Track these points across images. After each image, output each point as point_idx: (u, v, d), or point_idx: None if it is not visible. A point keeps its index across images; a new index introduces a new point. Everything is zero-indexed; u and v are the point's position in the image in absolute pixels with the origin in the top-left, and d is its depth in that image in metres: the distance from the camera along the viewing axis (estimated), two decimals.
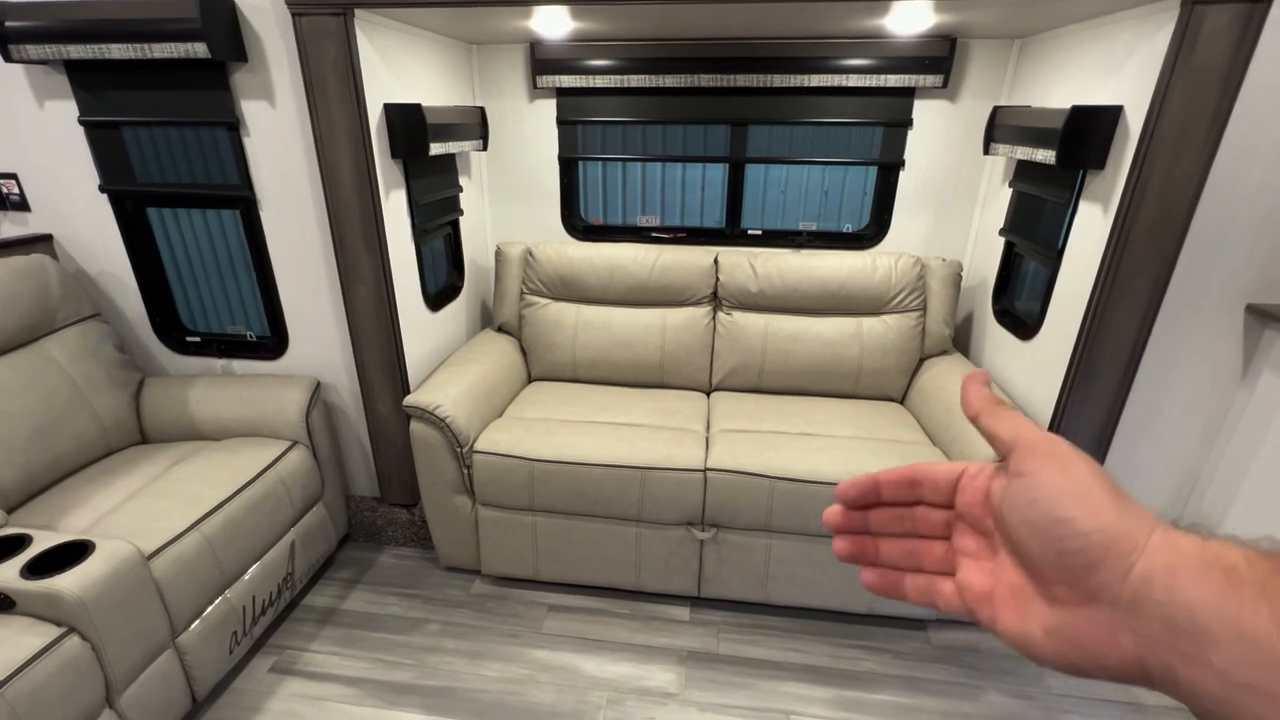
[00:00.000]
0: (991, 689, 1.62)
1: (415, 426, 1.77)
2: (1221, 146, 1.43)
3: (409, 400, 1.76)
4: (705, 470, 1.69)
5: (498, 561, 1.89)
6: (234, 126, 1.70)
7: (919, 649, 1.73)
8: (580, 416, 1.93)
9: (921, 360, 2.10)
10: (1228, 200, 1.48)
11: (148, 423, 1.86)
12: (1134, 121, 1.42)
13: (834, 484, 1.59)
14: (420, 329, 1.99)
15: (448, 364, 1.99)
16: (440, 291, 2.16)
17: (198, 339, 2.00)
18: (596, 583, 1.87)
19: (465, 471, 1.79)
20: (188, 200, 1.86)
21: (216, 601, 1.51)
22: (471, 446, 1.77)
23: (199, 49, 1.53)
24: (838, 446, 1.73)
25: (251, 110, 1.68)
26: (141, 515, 1.47)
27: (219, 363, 2.01)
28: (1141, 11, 1.42)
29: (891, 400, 2.11)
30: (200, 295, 2.03)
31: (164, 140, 1.80)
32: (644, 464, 1.69)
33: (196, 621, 1.46)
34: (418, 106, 1.71)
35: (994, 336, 2.03)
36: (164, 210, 1.93)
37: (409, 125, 1.72)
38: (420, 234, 1.94)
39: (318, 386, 1.90)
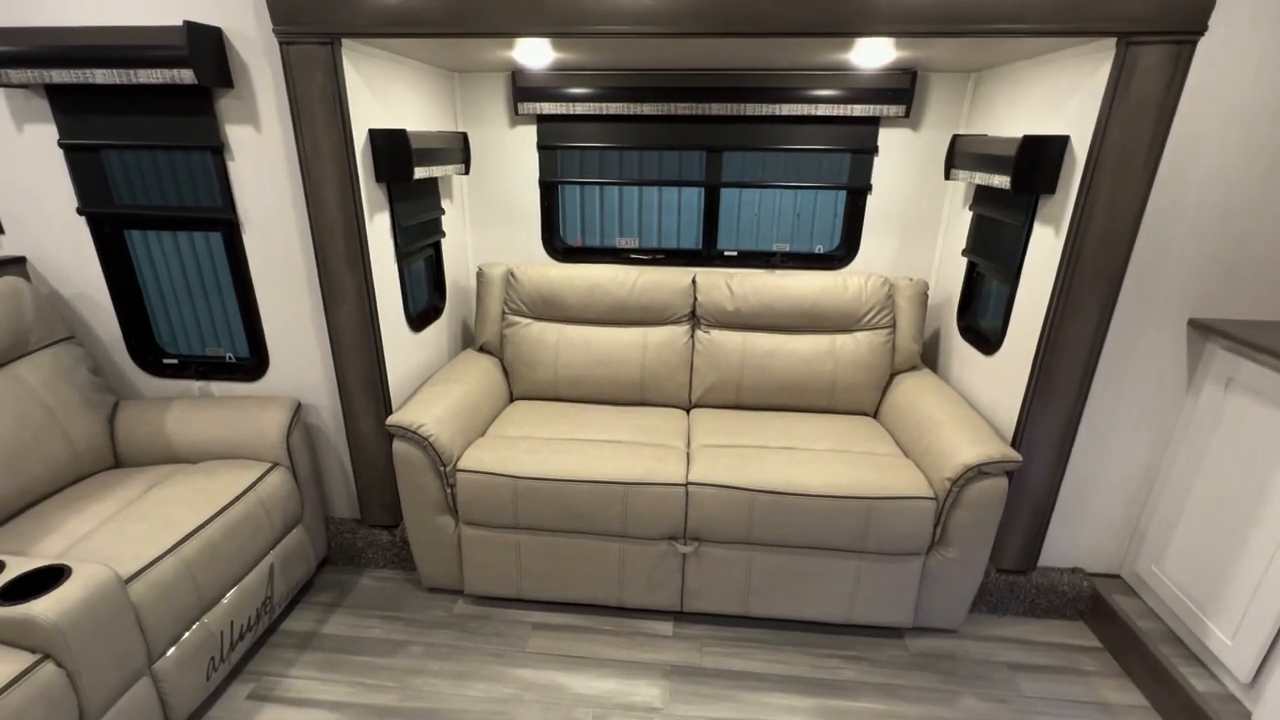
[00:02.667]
0: (966, 694, 1.66)
1: (398, 446, 1.78)
2: (1160, 171, 1.55)
3: (392, 419, 1.77)
4: (687, 485, 1.72)
5: (481, 581, 1.89)
6: (219, 150, 1.71)
7: (897, 657, 1.77)
8: (563, 434, 1.96)
9: (892, 376, 2.18)
10: (1167, 220, 1.60)
11: (122, 446, 1.84)
12: (1080, 150, 1.53)
13: (814, 496, 1.64)
14: (402, 349, 2.01)
15: (430, 383, 2.00)
16: (422, 312, 2.18)
17: (175, 361, 1.99)
18: (580, 600, 1.88)
19: (448, 491, 1.80)
20: (168, 223, 1.86)
21: (194, 627, 1.49)
22: (455, 465, 1.78)
23: (185, 75, 1.55)
24: (815, 460, 1.78)
25: (237, 135, 1.70)
26: (117, 539, 1.45)
27: (197, 384, 2.00)
28: (1082, 50, 1.54)
29: (865, 414, 2.18)
30: (179, 317, 2.02)
31: (145, 163, 1.81)
32: (626, 479, 1.72)
33: (173, 648, 1.43)
34: (402, 132, 1.75)
35: (960, 352, 2.12)
36: (143, 233, 1.92)
37: (394, 150, 1.76)
38: (403, 256, 1.97)
39: (298, 408, 1.89)
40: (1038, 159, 1.60)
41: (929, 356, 2.33)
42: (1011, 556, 1.86)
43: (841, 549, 1.72)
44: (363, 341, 1.83)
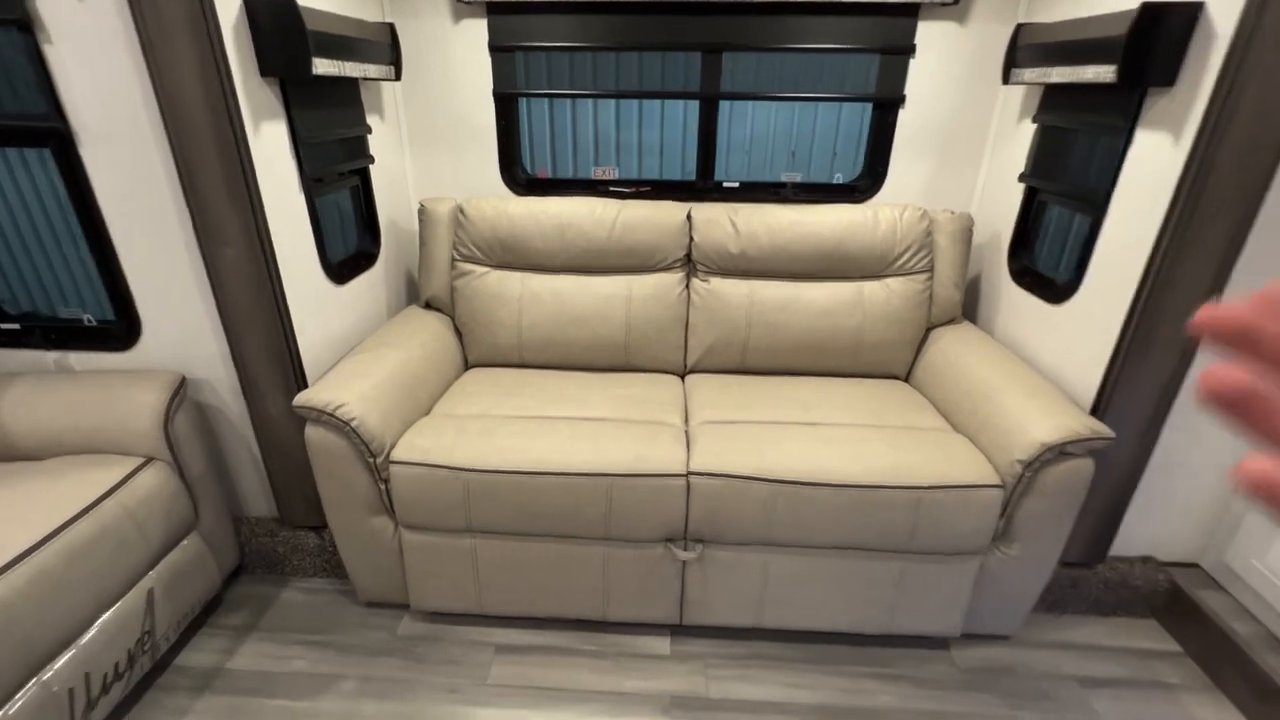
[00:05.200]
0: (1029, 717, 1.36)
1: (312, 433, 1.36)
2: None
3: (300, 400, 1.35)
4: (688, 475, 1.35)
5: (430, 594, 1.52)
6: (25, 26, 1.22)
7: (944, 674, 1.46)
8: (528, 410, 1.56)
9: (928, 331, 1.81)
10: None
11: None
12: (1222, 21, 1.12)
13: (847, 486, 1.27)
14: (320, 307, 1.57)
15: (359, 350, 1.57)
16: (347, 260, 1.73)
17: (15, 326, 1.52)
18: (555, 614, 1.52)
19: (381, 487, 1.40)
20: None
21: (27, 688, 1.09)
22: (387, 455, 1.38)
23: None
24: (846, 437, 1.42)
25: (49, 2, 1.20)
26: None
27: (51, 356, 1.54)
28: None
29: (895, 378, 1.81)
30: (14, 267, 1.54)
31: None
32: (610, 470, 1.34)
33: None
34: (292, 4, 1.27)
35: (1011, 301, 1.75)
36: None
37: (282, 30, 1.28)
38: (313, 184, 1.51)
39: (182, 383, 1.46)
40: (1155, 38, 1.19)
41: (967, 308, 1.95)
42: (1078, 548, 1.54)
43: (882, 549, 1.37)
44: (259, 296, 1.39)
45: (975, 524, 1.33)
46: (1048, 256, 1.68)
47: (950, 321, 1.83)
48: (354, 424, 1.33)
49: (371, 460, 1.37)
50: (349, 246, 1.77)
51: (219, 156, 1.27)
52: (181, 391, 1.45)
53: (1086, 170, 1.48)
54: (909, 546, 1.36)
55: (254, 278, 1.37)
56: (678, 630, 1.55)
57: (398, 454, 1.38)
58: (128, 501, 1.29)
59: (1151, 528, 1.58)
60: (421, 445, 1.39)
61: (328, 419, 1.34)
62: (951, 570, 1.39)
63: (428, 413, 1.57)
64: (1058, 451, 1.27)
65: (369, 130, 1.74)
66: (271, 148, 1.37)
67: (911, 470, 1.32)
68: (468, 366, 1.87)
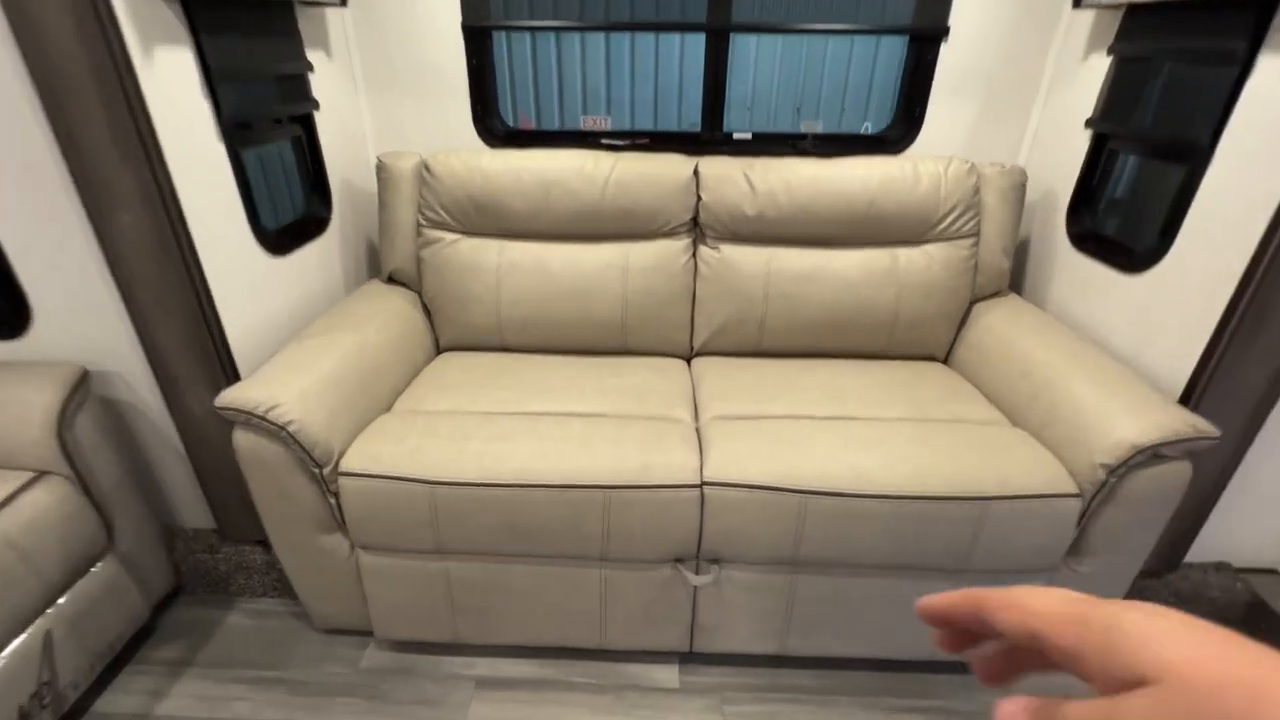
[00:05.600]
0: None
1: (242, 439, 1.11)
2: None
3: (224, 400, 1.09)
4: (701, 485, 1.11)
5: (397, 623, 1.29)
6: None
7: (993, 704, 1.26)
8: (509, 405, 1.31)
9: (971, 305, 1.57)
10: None
11: None
12: None
13: (894, 497, 1.04)
14: (254, 282, 1.30)
15: (304, 336, 1.31)
16: (290, 227, 1.46)
17: None
18: (544, 643, 1.30)
19: (332, 501, 1.16)
20: None
21: None
22: (336, 465, 1.13)
23: None
24: (888, 435, 1.18)
25: None
26: None
27: None
28: None
29: (932, 359, 1.57)
30: None
31: None
32: (609, 481, 1.10)
33: None
34: None
35: (1070, 270, 1.50)
36: None
37: None
38: (236, 132, 1.23)
39: (83, 378, 1.19)
40: None
41: (1013, 279, 1.71)
42: (1150, 557, 1.33)
43: (931, 568, 1.15)
44: (168, 273, 1.12)
45: (1046, 539, 1.11)
46: (1121, 217, 1.44)
47: (996, 294, 1.59)
48: (292, 428, 1.08)
49: (317, 470, 1.12)
50: (293, 210, 1.49)
51: (99, 96, 0.98)
52: (82, 387, 1.19)
53: (1181, 110, 1.22)
54: (965, 565, 1.14)
55: (158, 248, 1.10)
56: (687, 658, 1.34)
57: (349, 463, 1.13)
58: (8, 529, 1.04)
59: (1231, 531, 1.37)
60: (378, 452, 1.15)
61: (259, 422, 1.08)
62: None
63: (389, 409, 1.32)
64: (1150, 454, 1.05)
65: (310, 68, 1.44)
66: (174, 84, 1.08)
67: (971, 477, 1.09)
68: (439, 350, 1.61)
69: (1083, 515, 1.11)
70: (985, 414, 1.31)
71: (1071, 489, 1.09)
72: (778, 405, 1.32)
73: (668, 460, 1.13)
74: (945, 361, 1.58)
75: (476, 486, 1.10)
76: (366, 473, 1.12)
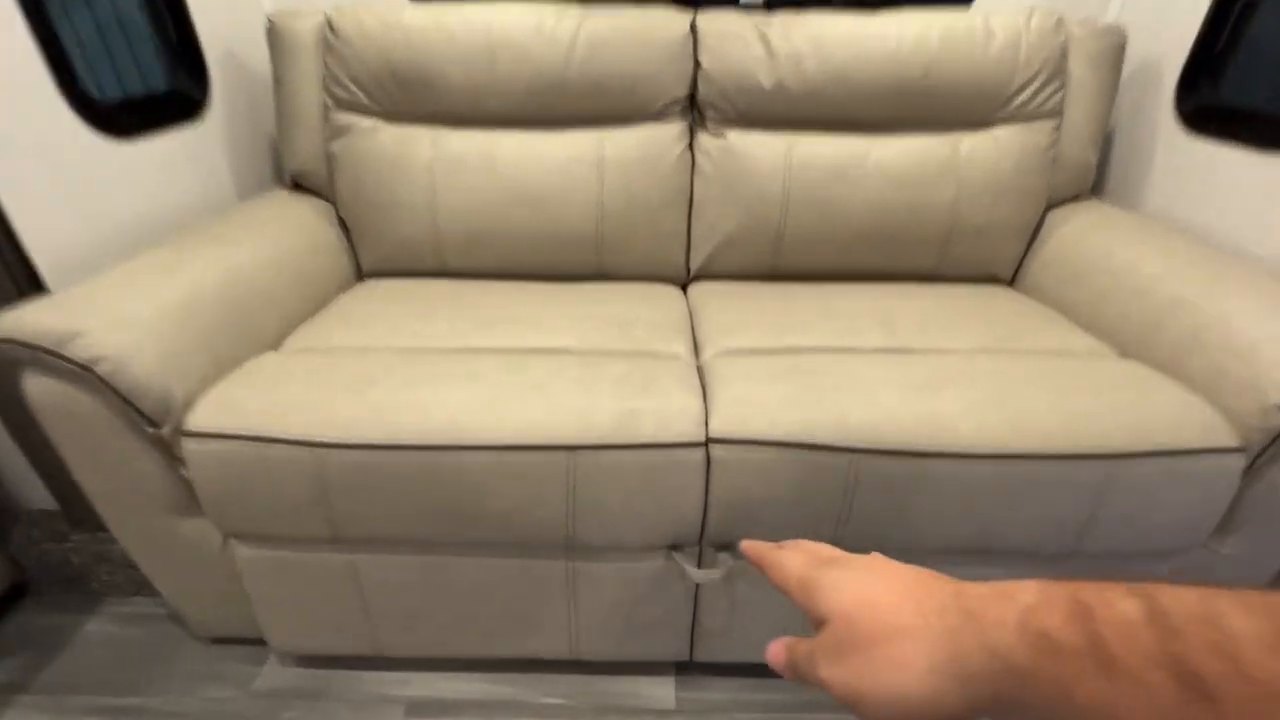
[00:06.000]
0: None
1: (34, 385, 0.76)
2: None
3: (4, 328, 0.73)
4: (707, 442, 0.78)
5: (296, 633, 0.96)
6: None
7: None
8: (441, 340, 0.96)
9: (1044, 213, 1.22)
10: None
11: None
12: None
13: (987, 456, 0.71)
14: (75, 172, 0.93)
15: (149, 250, 0.94)
16: (141, 104, 1.07)
17: None
18: (498, 655, 0.98)
19: (183, 472, 0.81)
20: None
21: None
22: (180, 424, 0.78)
23: None
24: (964, 372, 0.85)
25: None
26: None
27: None
28: None
29: (995, 282, 1.24)
30: None
31: None
32: (575, 438, 0.76)
33: None
34: None
35: (1180, 157, 1.16)
36: None
37: None
38: None
39: None
40: None
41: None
42: None
43: (1028, 553, 0.84)
44: None
45: (1191, 510, 0.80)
46: (1259, 86, 1.08)
47: (1074, 198, 1.25)
48: (102, 369, 0.73)
49: (153, 430, 0.77)
50: (144, 83, 1.09)
51: None
52: None
53: None
54: (1074, 549, 0.82)
55: None
56: (686, 669, 1.02)
57: (198, 419, 0.78)
58: None
59: None
60: (241, 403, 0.79)
61: (54, 361, 0.73)
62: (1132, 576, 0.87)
63: (276, 347, 0.96)
64: None
65: None
66: None
67: (1093, 426, 0.77)
68: (362, 277, 1.25)
69: (1244, 476, 0.78)
70: (1087, 343, 0.97)
71: (1231, 441, 0.77)
72: (809, 335, 0.98)
73: (659, 408, 0.79)
74: (1011, 285, 1.24)
75: (382, 450, 0.76)
76: (220, 432, 0.77)
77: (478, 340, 0.96)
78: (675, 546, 0.85)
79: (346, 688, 0.99)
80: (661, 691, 0.99)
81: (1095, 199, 1.27)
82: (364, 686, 0.99)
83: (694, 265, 1.23)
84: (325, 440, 0.76)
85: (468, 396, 0.80)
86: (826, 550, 0.32)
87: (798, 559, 0.31)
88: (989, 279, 1.23)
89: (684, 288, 1.24)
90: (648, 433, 0.76)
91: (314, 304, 1.09)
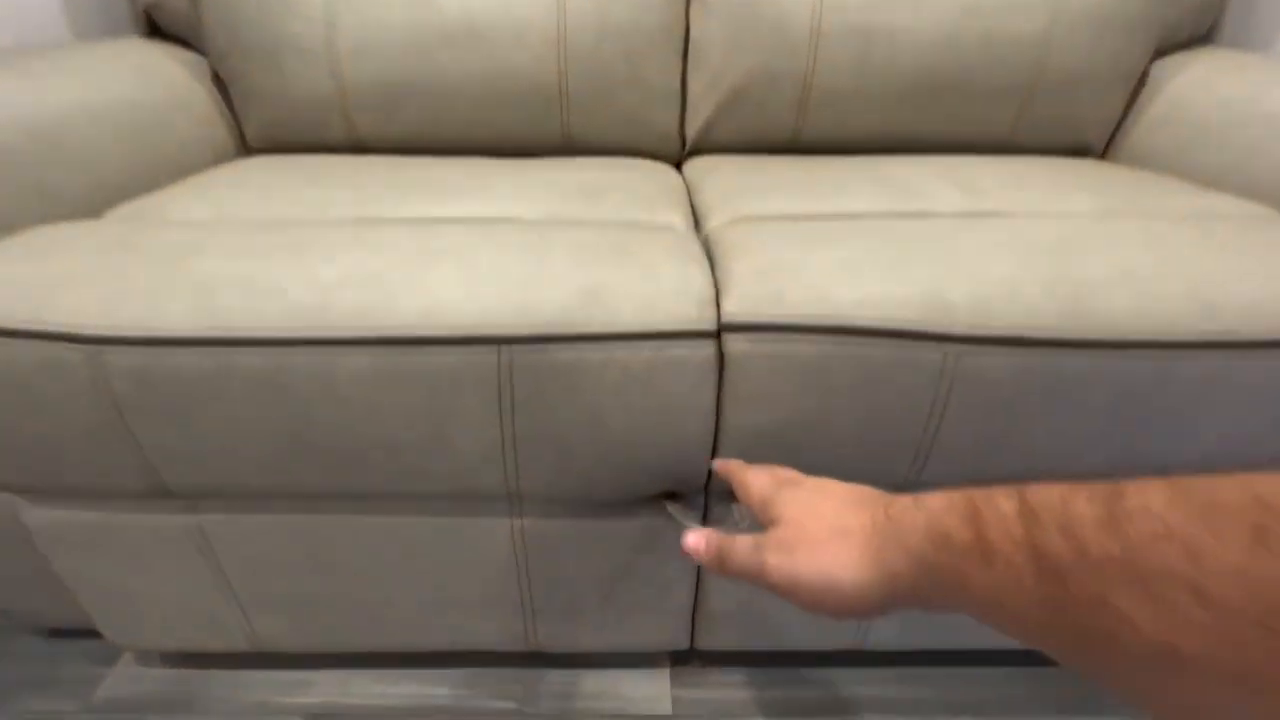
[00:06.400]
0: None
1: None
2: None
3: None
4: (718, 332, 0.49)
5: (141, 623, 0.69)
6: None
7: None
8: (332, 210, 0.67)
9: (1150, 61, 0.93)
10: None
11: None
12: None
13: (1150, 345, 0.43)
14: None
15: None
16: None
17: None
18: (427, 648, 0.71)
19: None
20: None
21: None
22: None
23: None
24: (1098, 233, 0.56)
25: None
26: None
27: None
28: None
29: (1083, 152, 0.95)
30: None
31: None
32: (510, 326, 0.48)
33: None
34: None
35: None
36: None
37: None
38: None
39: None
40: None
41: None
42: None
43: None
44: None
45: None
46: None
47: (1188, 42, 0.95)
48: None
49: None
50: None
51: None
52: None
53: None
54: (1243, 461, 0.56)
55: None
56: (684, 660, 0.77)
57: None
58: None
59: None
60: None
61: None
62: None
63: (100, 216, 0.66)
64: None
65: None
66: None
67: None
68: (248, 150, 0.94)
69: None
70: (1243, 206, 0.69)
71: None
72: (857, 199, 0.69)
73: (639, 283, 0.50)
74: (1104, 157, 0.95)
75: (194, 346, 0.47)
76: None
77: (385, 210, 0.67)
78: (670, 495, 0.58)
79: (223, 695, 0.73)
80: (652, 690, 0.73)
81: (1210, 46, 0.97)
82: (246, 693, 0.73)
83: (690, 133, 0.93)
84: (100, 331, 0.47)
85: (344, 269, 0.51)
86: (786, 472, 0.39)
87: (763, 478, 0.38)
88: (1076, 149, 0.94)
89: (678, 166, 0.94)
90: (624, 318, 0.48)
91: (161, 175, 0.78)
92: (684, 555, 0.39)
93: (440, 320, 0.48)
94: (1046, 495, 0.21)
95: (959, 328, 0.48)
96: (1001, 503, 0.23)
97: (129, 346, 0.47)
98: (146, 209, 0.67)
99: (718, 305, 0.50)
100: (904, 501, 0.28)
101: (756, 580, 0.32)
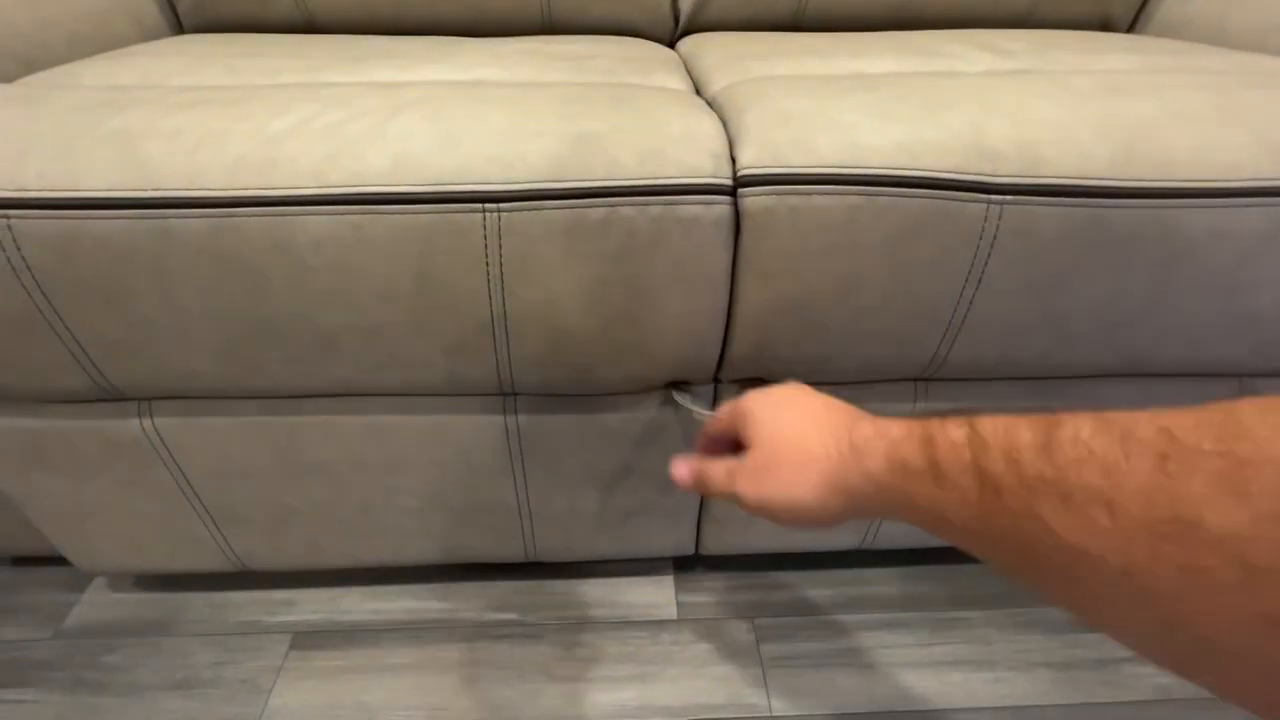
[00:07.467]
0: None
1: None
2: None
3: None
4: (734, 187, 0.43)
5: (106, 544, 0.64)
6: None
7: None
8: (281, 76, 0.58)
9: None
10: None
11: None
12: None
13: (1224, 192, 0.38)
14: None
15: None
16: None
17: None
18: (417, 560, 0.68)
19: None
20: None
21: None
22: None
23: None
24: (1148, 82, 0.50)
25: None
26: None
27: None
28: None
29: (1109, 29, 0.88)
30: None
31: None
32: (499, 181, 0.41)
33: None
34: None
35: None
36: None
37: None
38: None
39: None
40: None
41: None
42: None
43: (1226, 372, 0.54)
44: None
45: None
46: None
47: None
48: None
49: None
50: None
51: None
52: None
53: None
54: None
55: None
56: (688, 566, 0.74)
57: None
58: None
59: None
60: None
61: None
62: None
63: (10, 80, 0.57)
64: None
65: None
66: None
67: None
68: (181, 31, 0.83)
69: None
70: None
71: None
72: (878, 61, 0.62)
73: (640, 131, 0.44)
74: (1130, 29, 0.89)
75: (121, 207, 0.40)
76: None
77: (340, 77, 0.58)
78: (677, 383, 0.53)
79: (202, 617, 0.69)
80: (656, 596, 0.71)
81: None
82: (229, 614, 0.69)
83: (684, 8, 0.84)
84: (4, 193, 0.39)
85: (297, 120, 0.43)
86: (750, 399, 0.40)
87: (726, 407, 0.41)
88: (1101, 24, 0.87)
89: (672, 45, 0.85)
90: (623, 170, 0.42)
91: (75, 51, 0.68)
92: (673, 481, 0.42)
93: (414, 174, 0.41)
94: (994, 425, 0.25)
95: (1005, 176, 0.42)
96: (953, 431, 0.26)
97: (43, 210, 0.40)
98: (58, 77, 0.58)
99: (733, 156, 0.44)
100: (865, 430, 0.32)
101: (731, 501, 0.37)
